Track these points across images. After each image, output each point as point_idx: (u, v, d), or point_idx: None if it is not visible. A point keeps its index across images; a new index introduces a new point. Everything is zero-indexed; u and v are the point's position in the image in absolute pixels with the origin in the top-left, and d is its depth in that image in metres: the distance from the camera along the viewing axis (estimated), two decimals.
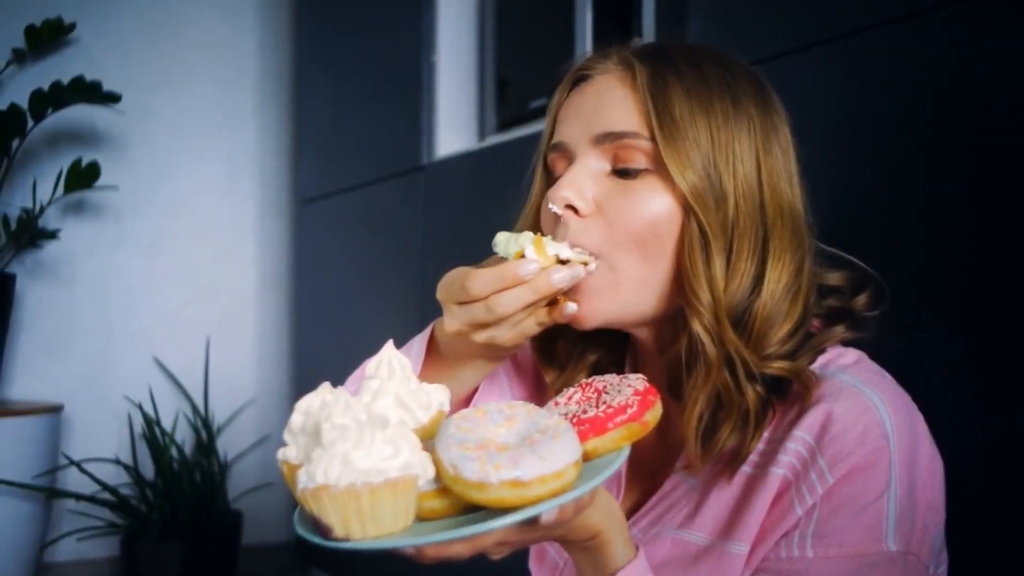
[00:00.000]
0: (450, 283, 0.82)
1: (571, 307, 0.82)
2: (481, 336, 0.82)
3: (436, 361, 0.90)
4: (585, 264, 0.83)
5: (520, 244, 0.80)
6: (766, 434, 0.84)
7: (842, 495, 0.78)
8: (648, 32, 1.70)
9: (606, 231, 0.84)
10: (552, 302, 0.83)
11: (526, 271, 0.79)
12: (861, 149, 1.24)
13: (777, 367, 0.81)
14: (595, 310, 0.84)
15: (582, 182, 0.85)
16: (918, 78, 1.17)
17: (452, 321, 0.83)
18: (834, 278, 0.91)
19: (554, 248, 0.81)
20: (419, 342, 0.92)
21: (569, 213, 0.85)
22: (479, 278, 0.80)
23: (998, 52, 1.08)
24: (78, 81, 2.62)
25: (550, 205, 0.85)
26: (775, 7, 1.38)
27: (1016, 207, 1.05)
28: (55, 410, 2.65)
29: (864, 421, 0.78)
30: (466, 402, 0.96)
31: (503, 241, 0.82)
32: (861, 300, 0.90)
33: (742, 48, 1.35)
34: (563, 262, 0.82)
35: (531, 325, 0.82)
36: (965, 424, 1.07)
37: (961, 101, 1.11)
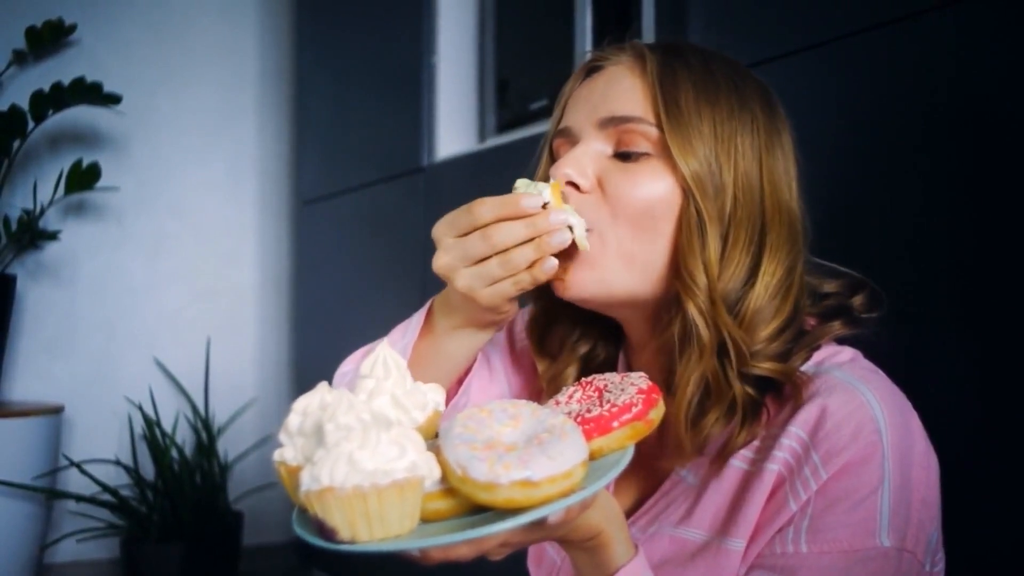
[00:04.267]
0: (455, 214, 0.83)
1: (551, 263, 0.81)
2: (462, 280, 0.82)
3: (427, 334, 0.91)
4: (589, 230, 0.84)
5: (539, 190, 0.81)
6: (762, 431, 0.84)
7: (836, 491, 0.78)
8: (648, 33, 1.70)
9: (605, 207, 0.85)
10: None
11: (530, 203, 0.80)
12: (864, 149, 1.24)
13: (766, 368, 0.82)
14: (581, 280, 0.85)
15: (584, 160, 0.86)
16: (921, 79, 1.17)
17: (442, 255, 0.83)
18: (831, 286, 0.92)
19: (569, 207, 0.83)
20: (418, 316, 0.93)
21: (570, 189, 0.86)
22: (486, 204, 0.81)
23: (997, 54, 1.08)
24: (79, 82, 2.61)
25: (552, 181, 0.86)
26: (775, 9, 1.39)
27: (1015, 209, 1.05)
28: (55, 411, 2.65)
29: (857, 417, 0.79)
30: (457, 385, 0.96)
31: (523, 187, 0.83)
32: (858, 300, 0.91)
33: (742, 50, 1.36)
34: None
35: (508, 286, 0.82)
36: (964, 423, 1.07)
37: (963, 101, 1.12)
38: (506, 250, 0.80)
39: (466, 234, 0.82)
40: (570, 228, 0.82)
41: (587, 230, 0.84)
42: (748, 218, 0.84)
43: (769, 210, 0.85)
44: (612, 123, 0.86)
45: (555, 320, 0.96)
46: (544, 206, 0.81)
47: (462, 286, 0.82)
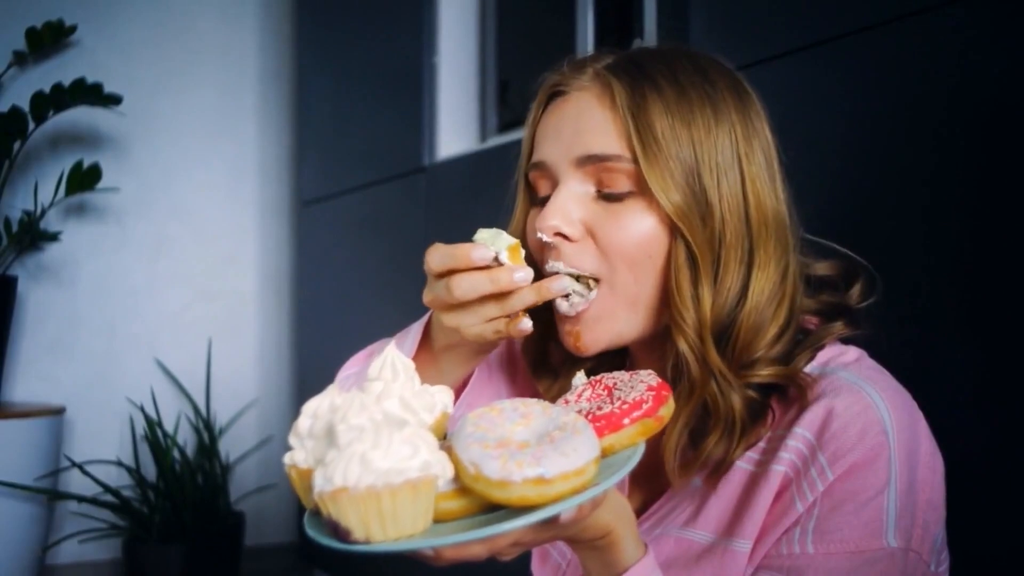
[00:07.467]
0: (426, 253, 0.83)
1: (526, 323, 0.81)
2: (449, 319, 0.82)
3: (425, 347, 0.91)
4: (587, 285, 0.84)
5: (497, 247, 0.79)
6: (768, 432, 0.84)
7: (842, 491, 0.79)
8: (649, 33, 1.70)
9: (600, 255, 0.84)
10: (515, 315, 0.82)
11: (479, 255, 0.78)
12: (864, 149, 1.24)
13: (767, 373, 0.82)
14: (597, 338, 0.85)
15: (568, 207, 0.85)
16: (922, 79, 1.17)
17: (425, 292, 0.83)
18: (823, 268, 0.91)
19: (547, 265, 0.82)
20: (417, 326, 0.93)
21: (559, 240, 0.85)
22: (436, 251, 0.80)
23: (997, 53, 1.08)
24: (79, 83, 2.62)
25: (539, 234, 0.85)
26: (775, 9, 1.39)
27: (1017, 208, 1.05)
28: (57, 412, 2.65)
29: (864, 418, 0.79)
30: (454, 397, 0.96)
31: (482, 237, 0.81)
32: (855, 293, 0.90)
33: (742, 50, 1.37)
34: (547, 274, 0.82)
35: (489, 331, 0.81)
36: (967, 422, 1.08)
37: (964, 101, 1.12)
38: (478, 300, 0.80)
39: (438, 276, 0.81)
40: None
41: (593, 280, 0.84)
42: (737, 238, 0.83)
43: (756, 225, 0.84)
44: (590, 161, 0.84)
45: (553, 336, 0.92)
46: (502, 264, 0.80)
47: (447, 322, 0.83)
